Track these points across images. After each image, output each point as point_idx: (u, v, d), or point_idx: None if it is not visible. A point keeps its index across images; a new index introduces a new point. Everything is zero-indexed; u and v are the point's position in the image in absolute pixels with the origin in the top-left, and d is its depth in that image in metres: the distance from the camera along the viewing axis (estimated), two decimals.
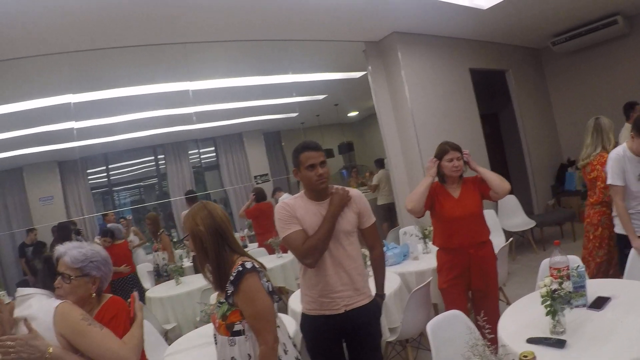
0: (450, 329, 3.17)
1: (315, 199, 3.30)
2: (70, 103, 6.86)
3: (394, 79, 8.00)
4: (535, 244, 8.56)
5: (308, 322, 3.38)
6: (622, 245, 4.43)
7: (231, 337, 2.58)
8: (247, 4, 5.56)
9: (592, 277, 5.05)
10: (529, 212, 9.45)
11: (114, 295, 2.69)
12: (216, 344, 2.69)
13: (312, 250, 3.14)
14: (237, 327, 2.58)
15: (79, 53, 5.95)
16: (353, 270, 3.29)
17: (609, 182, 4.32)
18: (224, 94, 8.86)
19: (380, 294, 3.57)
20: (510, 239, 5.89)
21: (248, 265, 2.56)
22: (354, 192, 3.43)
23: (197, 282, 6.28)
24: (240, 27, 6.27)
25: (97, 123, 7.78)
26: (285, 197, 7.75)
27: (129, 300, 2.72)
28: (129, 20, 5.39)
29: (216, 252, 2.61)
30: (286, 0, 5.70)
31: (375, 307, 3.42)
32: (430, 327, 3.10)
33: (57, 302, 2.36)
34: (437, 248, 4.41)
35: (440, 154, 4.20)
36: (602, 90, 10.41)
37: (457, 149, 4.18)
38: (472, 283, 4.16)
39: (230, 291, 2.55)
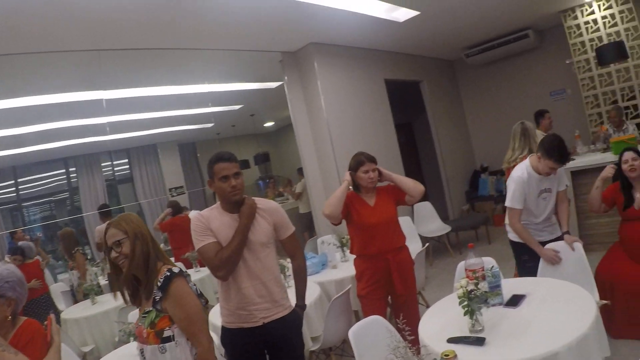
0: (372, 334, 3.20)
1: (230, 211, 3.26)
2: None
3: (310, 89, 8.02)
4: (451, 248, 8.77)
5: (228, 336, 3.33)
6: (518, 252, 4.63)
7: (161, 345, 2.54)
8: (163, 11, 5.43)
9: None
10: (444, 218, 9.67)
11: (29, 318, 2.58)
12: (142, 356, 2.61)
13: (224, 263, 3.11)
14: (167, 333, 2.54)
15: None
16: (270, 281, 3.27)
17: (508, 204, 4.43)
18: (138, 103, 8.55)
19: (300, 305, 3.55)
20: (427, 244, 6.03)
21: (175, 270, 2.56)
22: (270, 203, 3.44)
23: (113, 301, 6.00)
24: (155, 34, 6.10)
25: (3, 134, 7.36)
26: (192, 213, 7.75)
27: (45, 322, 2.59)
28: (39, 24, 5.09)
29: (152, 257, 2.60)
30: (202, 9, 5.60)
31: (295, 318, 3.41)
32: (352, 333, 3.11)
33: None
34: (354, 256, 4.42)
35: (356, 165, 4.20)
36: (513, 99, 10.94)
37: (373, 160, 4.19)
38: (394, 288, 4.16)
39: (158, 297, 2.52)
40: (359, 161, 4.19)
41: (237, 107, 10.41)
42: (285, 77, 8.10)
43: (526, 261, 4.50)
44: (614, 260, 4.59)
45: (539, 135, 7.07)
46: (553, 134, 4.39)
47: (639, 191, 4.49)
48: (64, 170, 8.76)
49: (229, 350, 3.36)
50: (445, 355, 2.30)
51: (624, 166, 4.50)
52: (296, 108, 8.14)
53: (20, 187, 8.06)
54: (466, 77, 11.96)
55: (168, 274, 2.54)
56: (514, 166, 5.17)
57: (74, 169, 8.73)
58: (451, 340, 2.82)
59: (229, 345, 3.35)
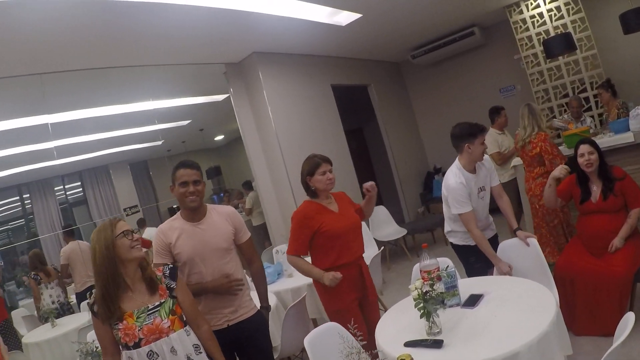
0: (328, 340, 3.11)
1: (191, 220, 3.39)
2: None
3: (256, 99, 7.93)
4: (408, 252, 8.72)
5: None
6: (463, 255, 4.54)
7: (186, 327, 2.81)
8: (102, 30, 5.33)
9: (547, 240, 5.83)
10: (400, 221, 9.66)
11: None
12: (156, 356, 2.66)
13: None
14: (184, 318, 2.83)
15: None
16: None
17: (457, 211, 4.26)
18: (85, 125, 8.39)
19: (265, 306, 3.72)
20: (382, 248, 5.96)
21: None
22: (228, 208, 3.62)
23: (72, 322, 6.14)
24: (96, 54, 5.99)
25: None
26: (147, 231, 7.71)
27: None
28: None
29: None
30: (140, 25, 5.48)
31: (260, 318, 3.57)
32: (307, 341, 3.05)
33: None
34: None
35: (312, 168, 3.91)
36: (463, 98, 11.00)
37: (328, 161, 3.95)
38: (367, 294, 3.99)
39: (173, 285, 2.83)
40: (315, 163, 3.90)
41: (185, 122, 10.28)
42: (231, 89, 7.99)
43: (473, 262, 4.42)
44: (572, 255, 4.48)
45: (496, 134, 7.13)
46: (454, 126, 4.50)
47: (596, 184, 4.46)
48: (17, 197, 8.63)
49: None
50: (401, 359, 2.22)
51: (580, 160, 4.45)
52: (244, 119, 8.04)
53: None
54: (414, 79, 11.98)
55: (170, 265, 2.92)
56: (529, 142, 5.77)
57: (27, 195, 8.62)
58: (408, 344, 2.78)
59: None
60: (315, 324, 5.09)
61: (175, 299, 2.80)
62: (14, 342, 6.57)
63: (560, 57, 8.29)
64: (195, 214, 3.39)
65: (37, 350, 5.91)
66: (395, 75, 11.85)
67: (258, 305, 3.67)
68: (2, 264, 7.95)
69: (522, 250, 4.18)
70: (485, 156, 4.43)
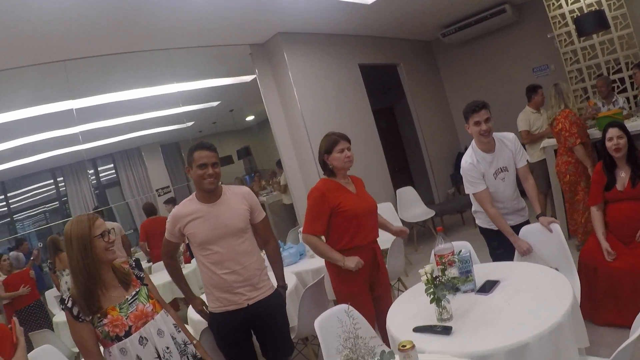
0: (339, 316, 3.04)
1: (205, 201, 3.44)
2: None
3: (282, 80, 7.89)
4: (436, 233, 8.52)
5: (215, 320, 3.52)
6: (487, 238, 4.48)
7: (163, 309, 2.90)
8: (122, 15, 5.37)
9: (577, 214, 6.00)
10: (429, 202, 9.58)
11: None
12: (145, 341, 2.71)
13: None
14: None
15: None
16: (251, 265, 3.45)
17: (470, 191, 4.30)
18: (116, 109, 8.59)
19: (282, 285, 3.78)
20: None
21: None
22: (242, 188, 3.65)
23: None
24: (118, 39, 6.07)
25: None
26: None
27: (9, 325, 2.73)
28: (3, 42, 5.15)
29: None
30: (166, 9, 5.53)
31: (278, 297, 3.63)
32: (317, 323, 3.08)
33: None
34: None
35: (329, 146, 3.87)
36: (495, 77, 10.77)
37: (346, 138, 3.91)
38: (379, 279, 3.97)
39: (142, 275, 2.91)
40: (333, 141, 3.86)
41: (215, 103, 10.37)
42: (256, 70, 7.95)
43: (495, 248, 4.37)
44: (598, 244, 4.31)
45: (530, 113, 7.02)
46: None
47: (624, 171, 4.28)
48: (51, 181, 8.93)
49: (217, 334, 3.56)
50: (403, 345, 2.19)
51: (608, 144, 4.27)
52: (270, 100, 8.01)
53: (10, 200, 8.29)
54: (445, 58, 11.76)
55: (134, 258, 2.98)
56: (554, 119, 5.95)
57: (61, 178, 8.92)
58: (417, 330, 2.74)
59: (216, 329, 3.55)
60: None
61: (147, 286, 2.88)
62: (45, 321, 6.82)
63: (594, 36, 7.92)
64: (211, 195, 3.43)
65: (66, 329, 6.00)
66: (426, 54, 11.64)
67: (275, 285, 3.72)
68: (41, 245, 8.16)
69: (545, 236, 4.03)
70: (511, 135, 4.33)
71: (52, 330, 6.27)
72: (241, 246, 3.42)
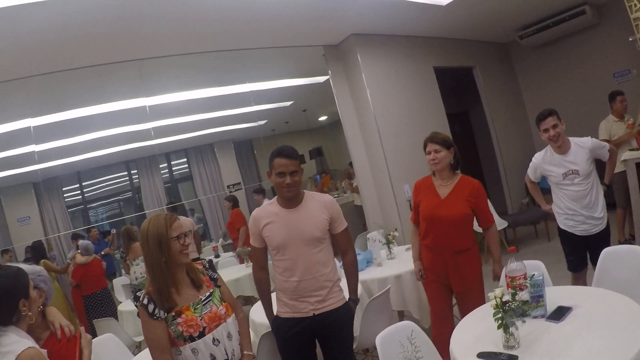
0: (401, 340, 3.05)
1: (285, 206, 3.43)
2: (30, 127, 6.80)
3: (355, 82, 7.86)
4: (508, 245, 8.21)
5: (279, 324, 3.52)
6: (562, 242, 4.71)
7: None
8: (204, 16, 5.54)
9: None
10: (502, 212, 9.34)
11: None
12: (217, 343, 2.74)
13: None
14: None
15: (35, 78, 5.96)
16: (323, 276, 3.41)
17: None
18: (193, 106, 8.89)
19: (353, 298, 3.69)
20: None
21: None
22: (325, 197, 3.58)
23: None
24: (198, 39, 6.27)
25: (56, 145, 7.70)
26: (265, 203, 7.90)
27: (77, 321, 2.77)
28: (84, 41, 5.38)
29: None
30: (241, 10, 5.64)
31: (347, 310, 3.57)
32: (379, 339, 3.01)
33: (22, 347, 2.13)
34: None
35: (424, 147, 4.06)
36: (574, 82, 10.36)
37: (434, 140, 3.96)
38: (452, 286, 4.04)
39: (216, 276, 2.97)
40: (424, 144, 4.07)
41: (288, 103, 10.53)
42: (329, 71, 7.96)
43: (567, 254, 4.59)
44: None
45: (612, 121, 6.81)
46: None
47: None
48: (126, 173, 9.40)
49: (280, 338, 3.55)
50: None
51: None
52: (342, 102, 8.00)
53: (85, 190, 8.79)
54: (522, 60, 11.40)
55: (208, 259, 3.00)
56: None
57: (135, 170, 9.32)
58: (481, 356, 2.60)
59: (279, 333, 3.54)
60: (402, 316, 5.00)
61: (220, 288, 2.92)
62: (111, 309, 7.04)
63: None
64: (291, 201, 3.42)
65: (130, 318, 6.39)
66: (502, 57, 11.33)
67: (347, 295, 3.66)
68: (115, 231, 8.48)
69: (627, 259, 3.64)
70: (585, 138, 4.51)
71: (116, 318, 6.48)
72: (316, 256, 3.39)
